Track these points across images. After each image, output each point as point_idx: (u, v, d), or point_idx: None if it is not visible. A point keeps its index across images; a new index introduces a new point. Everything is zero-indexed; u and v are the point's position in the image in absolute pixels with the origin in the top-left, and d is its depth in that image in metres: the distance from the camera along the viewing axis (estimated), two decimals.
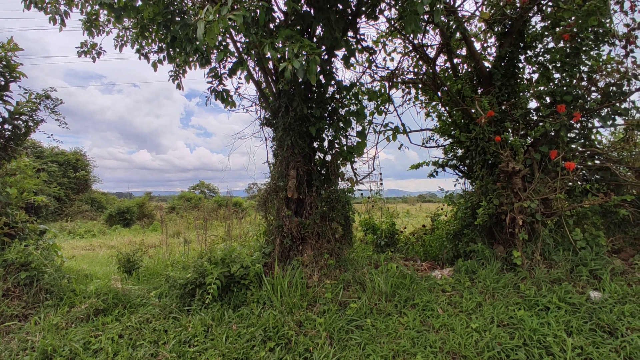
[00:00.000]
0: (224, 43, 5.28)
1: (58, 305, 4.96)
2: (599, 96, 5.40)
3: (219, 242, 8.28)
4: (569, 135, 5.43)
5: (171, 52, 5.32)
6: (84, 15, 5.59)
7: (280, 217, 5.51)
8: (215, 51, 5.44)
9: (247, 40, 4.82)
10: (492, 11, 6.20)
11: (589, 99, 5.41)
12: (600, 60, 5.48)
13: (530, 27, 6.12)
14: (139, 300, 5.12)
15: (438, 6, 3.53)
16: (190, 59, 5.74)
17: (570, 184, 5.40)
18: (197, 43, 4.62)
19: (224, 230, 10.67)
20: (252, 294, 4.79)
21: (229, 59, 5.71)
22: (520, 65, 6.06)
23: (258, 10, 4.08)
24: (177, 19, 5.01)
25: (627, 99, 5.25)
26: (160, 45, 5.89)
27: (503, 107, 5.75)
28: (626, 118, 5.34)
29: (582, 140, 5.64)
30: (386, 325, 4.06)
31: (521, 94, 6.04)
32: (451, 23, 5.83)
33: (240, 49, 5.60)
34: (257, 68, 5.89)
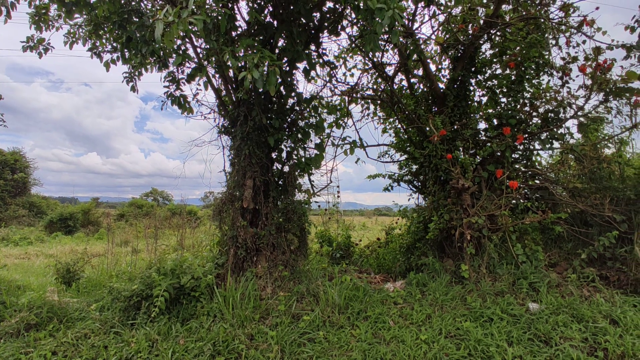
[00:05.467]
0: (183, 47, 5.15)
1: None
2: (539, 121, 5.86)
3: (170, 252, 7.95)
4: (513, 155, 5.82)
5: (126, 53, 5.10)
6: (32, 8, 5.25)
7: (235, 227, 5.40)
8: (173, 55, 5.30)
9: (208, 46, 4.75)
10: (447, 36, 6.57)
11: (530, 123, 5.84)
12: (541, 88, 5.97)
13: (481, 53, 6.54)
14: (77, 314, 4.77)
15: (396, 28, 3.68)
16: (147, 61, 5.55)
17: (513, 201, 5.76)
18: (155, 45, 4.48)
19: (176, 239, 10.26)
20: (202, 307, 4.61)
21: (187, 64, 5.57)
22: (471, 88, 6.44)
23: (220, 17, 4.04)
24: (135, 19, 4.84)
25: (563, 125, 5.74)
26: (114, 44, 5.64)
27: (455, 127, 6.06)
28: (562, 142, 5.82)
29: (525, 161, 6.07)
30: (338, 338, 4.06)
31: (471, 115, 6.41)
32: (409, 44, 6.09)
33: (200, 55, 5.50)
34: (217, 75, 5.80)
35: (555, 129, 5.71)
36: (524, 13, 6.12)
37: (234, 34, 5.11)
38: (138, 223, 17.73)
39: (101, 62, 5.73)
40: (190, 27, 3.35)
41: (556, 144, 5.89)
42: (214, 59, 5.05)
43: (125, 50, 5.02)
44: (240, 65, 4.07)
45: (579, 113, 5.62)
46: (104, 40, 5.72)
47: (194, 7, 3.34)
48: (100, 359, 3.80)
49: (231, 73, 5.60)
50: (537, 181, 5.96)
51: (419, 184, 7.16)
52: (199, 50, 5.55)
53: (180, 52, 4.93)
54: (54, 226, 20.28)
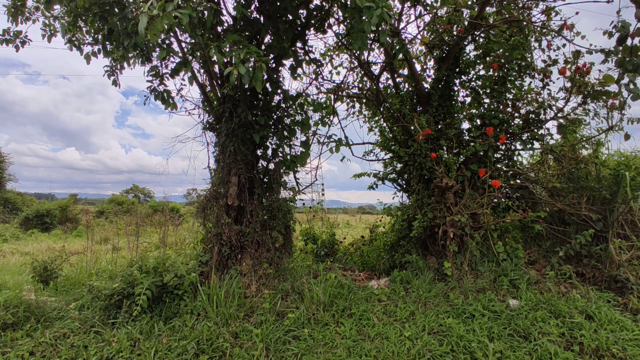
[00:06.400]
0: (167, 41, 5.05)
1: None
2: (521, 122, 5.99)
3: (152, 249, 7.81)
4: (495, 155, 5.94)
5: (107, 46, 4.96)
6: (9, 0, 5.05)
7: (219, 224, 5.34)
8: (157, 49, 5.18)
9: (193, 41, 4.67)
10: (432, 36, 6.64)
11: (512, 123, 5.97)
12: (523, 89, 6.11)
13: (465, 54, 6.64)
14: (55, 313, 4.64)
15: (384, 27, 3.69)
16: (129, 55, 5.41)
17: (495, 200, 5.88)
18: (138, 38, 4.37)
19: (158, 237, 10.08)
20: (186, 305, 4.55)
21: (172, 59, 5.47)
22: (455, 88, 6.53)
23: (206, 12, 3.97)
24: (117, 10, 4.71)
25: (543, 126, 5.89)
26: (95, 36, 5.48)
27: (439, 126, 6.14)
28: (542, 143, 5.98)
29: (506, 161, 6.21)
30: (323, 335, 4.08)
31: (455, 115, 6.50)
32: (395, 44, 6.13)
33: (185, 50, 5.40)
34: (202, 70, 5.71)
35: (536, 130, 5.85)
36: (507, 16, 6.24)
37: (219, 29, 5.03)
38: (118, 220, 17.37)
39: (81, 55, 5.57)
40: (175, 21, 3.27)
41: (536, 145, 6.05)
42: (199, 54, 4.98)
43: (107, 42, 4.89)
44: (226, 60, 4.01)
45: (559, 114, 5.77)
46: (84, 32, 5.55)
47: (179, 0, 3.28)
48: (80, 359, 3.71)
49: (216, 69, 5.53)
50: (518, 180, 6.10)
51: (404, 182, 7.22)
52: (183, 44, 5.45)
53: (165, 46, 4.83)
54: (29, 223, 19.66)
